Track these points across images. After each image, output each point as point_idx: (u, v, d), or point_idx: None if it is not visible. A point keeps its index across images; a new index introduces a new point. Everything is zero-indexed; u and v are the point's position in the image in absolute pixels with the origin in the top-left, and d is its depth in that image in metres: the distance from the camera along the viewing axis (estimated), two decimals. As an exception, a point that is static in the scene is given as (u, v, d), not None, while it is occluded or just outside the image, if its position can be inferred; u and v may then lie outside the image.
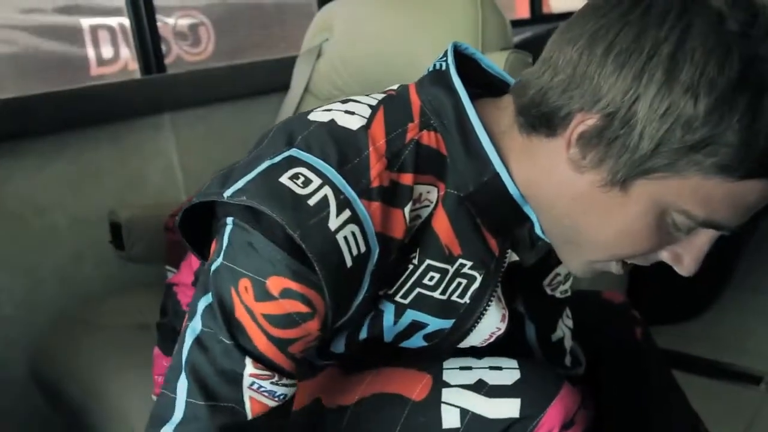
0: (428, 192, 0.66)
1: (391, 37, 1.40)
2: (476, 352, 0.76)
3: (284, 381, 0.63)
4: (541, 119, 0.62)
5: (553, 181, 0.63)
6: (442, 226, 0.67)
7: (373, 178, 0.61)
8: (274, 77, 1.72)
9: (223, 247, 0.62)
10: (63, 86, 1.47)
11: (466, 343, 0.75)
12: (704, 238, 0.61)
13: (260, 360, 0.61)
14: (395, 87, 0.72)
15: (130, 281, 1.45)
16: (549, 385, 0.71)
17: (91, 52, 1.95)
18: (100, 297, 1.38)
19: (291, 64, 1.60)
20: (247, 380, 0.60)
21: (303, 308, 0.60)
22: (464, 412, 0.70)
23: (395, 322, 0.70)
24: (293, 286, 0.59)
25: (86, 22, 1.95)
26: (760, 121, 0.53)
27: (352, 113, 0.65)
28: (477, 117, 0.65)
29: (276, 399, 0.62)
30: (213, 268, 0.62)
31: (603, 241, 0.63)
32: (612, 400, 0.94)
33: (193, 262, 0.83)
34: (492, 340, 0.75)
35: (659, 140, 0.55)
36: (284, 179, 0.60)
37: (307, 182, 0.59)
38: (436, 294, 0.69)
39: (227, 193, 0.61)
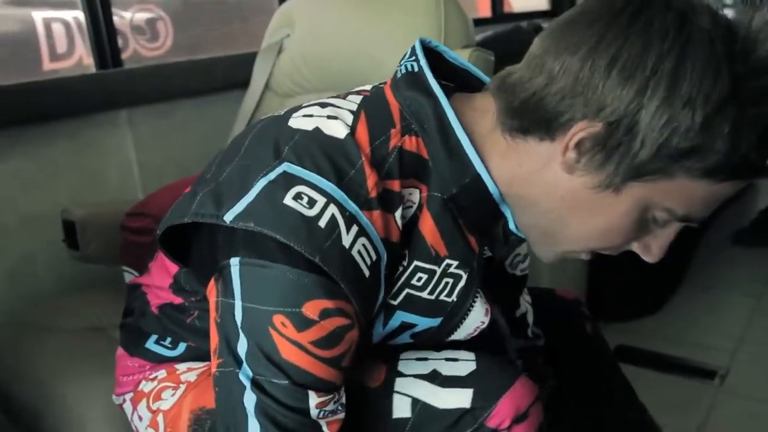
0: (410, 194, 0.67)
1: (354, 34, 1.39)
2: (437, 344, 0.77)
3: (341, 395, 0.66)
4: (539, 124, 0.64)
5: (542, 180, 0.66)
6: (428, 228, 0.69)
7: (371, 188, 0.63)
8: (233, 73, 1.70)
9: (237, 290, 0.62)
10: (14, 80, 1.42)
11: (449, 339, 0.77)
12: (672, 230, 0.67)
13: (322, 388, 0.63)
14: (368, 88, 0.73)
15: (84, 282, 1.41)
16: (503, 377, 0.72)
17: (43, 46, 1.89)
18: (53, 299, 1.34)
19: (251, 60, 1.58)
20: (314, 411, 0.63)
21: (343, 321, 0.62)
22: (415, 402, 0.71)
23: (385, 324, 0.72)
24: (329, 304, 0.61)
25: (39, 15, 1.89)
26: (744, 130, 0.58)
27: (335, 118, 0.66)
28: (457, 120, 0.67)
29: (340, 412, 0.66)
30: (235, 312, 0.62)
31: (585, 235, 0.68)
32: (566, 391, 0.97)
33: (168, 265, 0.82)
34: (475, 334, 0.77)
35: (658, 148, 0.59)
36: (289, 201, 0.60)
37: (312, 202, 0.60)
38: (425, 294, 0.71)
39: (228, 217, 0.61)
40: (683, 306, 2.07)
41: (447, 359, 0.74)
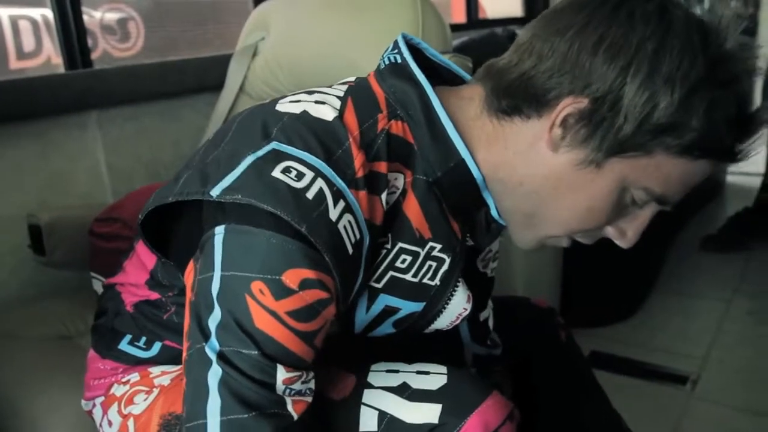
0: (395, 179, 0.69)
1: (330, 38, 1.37)
2: (407, 358, 0.76)
3: (310, 376, 0.65)
4: (527, 102, 0.67)
5: (527, 161, 0.68)
6: (412, 210, 0.70)
7: (358, 168, 0.64)
8: (206, 76, 1.67)
9: (218, 259, 0.62)
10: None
11: (433, 328, 0.78)
12: (646, 214, 0.70)
13: (291, 362, 0.62)
14: (352, 79, 0.75)
15: (50, 289, 1.37)
16: (474, 393, 0.71)
17: (10, 44, 1.85)
18: (17, 306, 1.31)
19: (224, 63, 1.56)
20: (280, 387, 0.61)
21: (323, 294, 0.62)
22: (383, 415, 0.70)
23: (368, 309, 0.72)
24: (310, 274, 0.61)
25: (5, 12, 1.85)
26: (717, 111, 0.63)
27: (323, 103, 0.68)
28: (442, 107, 0.69)
29: (308, 395, 0.64)
30: (212, 284, 0.62)
31: (566, 215, 0.70)
32: (541, 398, 0.98)
33: (145, 261, 0.81)
34: (458, 322, 0.78)
35: (639, 123, 0.63)
36: (277, 173, 0.61)
37: (300, 175, 0.61)
38: (408, 276, 0.72)
39: (215, 191, 0.62)
40: (655, 312, 2.09)
41: (418, 372, 0.73)
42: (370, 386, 0.72)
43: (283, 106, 0.68)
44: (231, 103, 1.54)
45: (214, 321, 0.61)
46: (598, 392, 1.02)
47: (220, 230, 0.62)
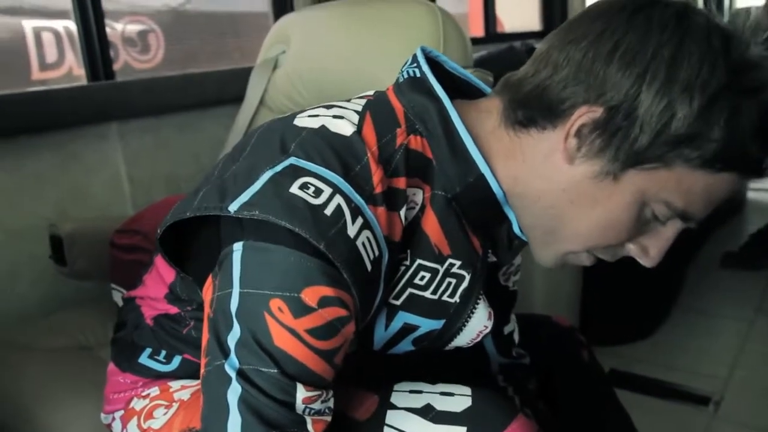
0: (414, 194, 0.68)
1: (351, 53, 1.37)
2: (432, 377, 0.75)
3: (330, 395, 0.64)
4: (542, 112, 0.66)
5: (544, 173, 0.67)
6: (431, 226, 0.69)
7: (376, 184, 0.63)
8: (226, 88, 1.68)
9: (236, 276, 0.61)
10: (1, 90, 1.39)
11: (453, 345, 0.77)
12: (670, 232, 0.68)
13: (311, 381, 0.61)
14: (370, 93, 0.74)
15: (70, 300, 1.38)
16: (499, 415, 0.69)
17: (33, 55, 1.87)
18: (37, 317, 1.31)
19: (244, 76, 1.56)
20: (300, 406, 0.60)
21: (342, 312, 0.61)
22: None
23: (387, 326, 0.71)
24: (329, 292, 0.60)
25: (29, 24, 1.87)
26: (740, 121, 0.60)
27: (341, 118, 0.67)
28: (461, 121, 0.68)
29: (327, 414, 0.64)
30: (231, 301, 0.61)
31: (585, 230, 0.68)
32: (563, 417, 0.97)
33: (164, 274, 0.80)
34: (478, 339, 0.77)
35: (656, 133, 0.61)
36: (295, 189, 0.60)
37: (318, 191, 0.60)
38: (428, 294, 0.71)
39: (232, 207, 0.61)
40: (675, 331, 2.06)
41: (442, 393, 0.72)
42: (394, 407, 0.71)
43: (302, 121, 0.67)
44: (251, 116, 1.54)
45: (233, 338, 0.61)
46: (621, 412, 1.01)
47: (238, 246, 0.62)
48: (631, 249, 0.69)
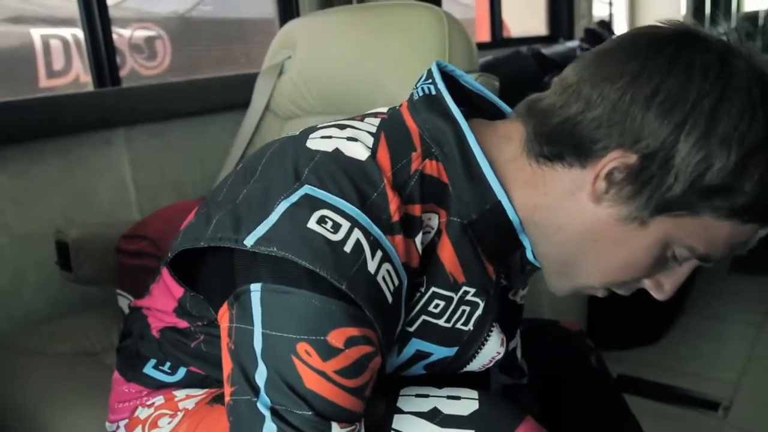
0: (429, 219, 0.66)
1: (356, 58, 1.37)
2: (439, 381, 0.74)
3: (362, 425, 0.64)
4: (571, 150, 0.64)
5: (568, 209, 0.65)
6: (446, 254, 0.68)
7: (393, 212, 0.62)
8: (232, 94, 1.68)
9: (257, 316, 0.60)
10: (8, 97, 1.39)
11: (465, 370, 0.76)
12: (686, 269, 0.67)
13: (345, 418, 0.61)
14: (384, 110, 0.73)
15: (76, 305, 1.38)
16: (507, 418, 0.69)
17: (41, 62, 1.88)
18: (43, 322, 1.31)
19: (250, 81, 1.57)
20: None
21: (368, 349, 0.61)
22: None
23: (399, 352, 0.70)
24: (354, 332, 0.59)
25: (37, 33, 1.88)
26: None
27: (355, 140, 0.65)
28: (478, 146, 0.66)
29: None
30: (254, 341, 0.60)
31: (603, 268, 0.67)
32: (572, 423, 0.96)
33: (172, 288, 0.79)
34: (491, 365, 0.76)
35: (690, 184, 0.59)
36: (312, 225, 0.59)
37: (337, 226, 0.59)
38: (441, 322, 0.70)
39: (249, 241, 0.60)
40: (683, 335, 2.05)
41: (449, 397, 0.71)
42: (400, 411, 0.71)
43: (314, 143, 0.65)
44: (257, 122, 1.54)
45: (261, 378, 0.60)
46: (629, 417, 1.00)
47: (256, 288, 0.60)
48: (646, 283, 0.68)
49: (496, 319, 0.75)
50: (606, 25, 3.35)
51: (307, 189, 0.61)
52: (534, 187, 0.67)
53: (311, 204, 0.60)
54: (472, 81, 0.76)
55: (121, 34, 1.97)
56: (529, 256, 0.71)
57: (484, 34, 3.08)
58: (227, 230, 0.62)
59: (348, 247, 0.59)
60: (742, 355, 1.91)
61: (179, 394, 0.81)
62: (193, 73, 2.11)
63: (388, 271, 0.61)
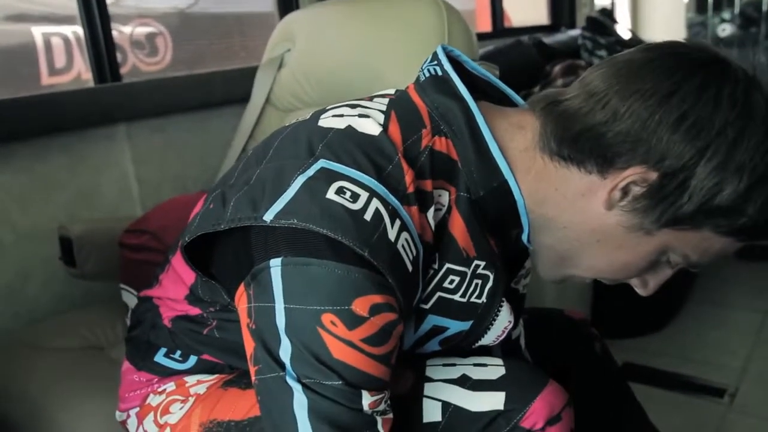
0: (440, 195, 0.67)
1: (356, 49, 1.37)
2: (462, 352, 0.78)
3: (389, 394, 0.65)
4: (592, 158, 0.65)
5: (577, 209, 0.67)
6: (458, 229, 0.69)
7: (409, 183, 0.63)
8: (233, 88, 1.68)
9: (278, 292, 0.61)
10: (10, 95, 1.40)
11: (479, 344, 0.77)
12: (671, 270, 0.71)
13: (374, 386, 0.62)
14: (391, 91, 0.74)
15: (80, 300, 1.39)
16: (535, 379, 0.73)
17: (42, 60, 1.88)
18: (48, 317, 1.32)
19: (251, 75, 1.57)
20: (367, 411, 0.61)
21: (392, 316, 0.62)
22: (446, 406, 0.71)
23: (416, 329, 0.71)
24: (378, 299, 0.60)
25: (38, 30, 1.88)
26: None
27: (367, 117, 0.67)
28: (486, 126, 0.67)
29: (390, 412, 0.65)
30: (276, 317, 0.61)
31: (601, 266, 0.70)
32: (577, 411, 0.94)
33: (183, 276, 0.80)
34: (503, 336, 0.77)
35: (701, 204, 0.62)
36: (331, 195, 0.60)
37: (355, 196, 0.60)
38: (457, 297, 0.71)
39: (268, 216, 0.60)
40: (689, 323, 2.05)
41: (475, 364, 0.75)
42: (430, 379, 0.73)
43: (326, 121, 0.67)
44: (257, 115, 1.54)
45: (285, 353, 0.61)
46: (635, 405, 1.01)
47: (276, 263, 0.60)
48: (633, 280, 0.72)
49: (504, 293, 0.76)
50: (608, 13, 3.32)
51: (323, 163, 0.62)
52: (544, 181, 0.68)
53: (328, 176, 0.61)
54: (477, 66, 0.76)
55: (121, 31, 1.97)
56: (524, 237, 0.72)
57: (485, 24, 3.06)
58: (246, 210, 0.63)
59: (368, 216, 0.59)
60: (747, 341, 1.91)
61: (190, 380, 0.82)
62: (195, 68, 2.11)
63: (407, 239, 0.62)
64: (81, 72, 1.93)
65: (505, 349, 0.91)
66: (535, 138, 0.68)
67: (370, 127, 0.65)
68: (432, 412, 0.71)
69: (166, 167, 1.61)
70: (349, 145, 0.63)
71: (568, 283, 0.77)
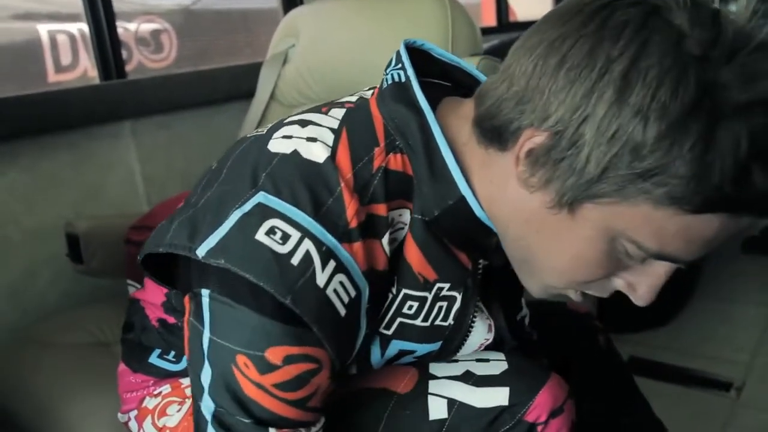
0: (400, 215, 0.63)
1: (360, 44, 1.37)
2: None
3: (315, 428, 0.63)
4: (493, 132, 0.59)
5: (507, 198, 0.61)
6: (412, 254, 0.65)
7: (350, 218, 0.58)
8: (238, 84, 1.69)
9: (207, 320, 0.60)
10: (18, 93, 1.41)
11: (455, 357, 0.76)
12: (660, 269, 0.59)
13: (287, 425, 0.60)
14: (353, 99, 0.69)
15: (87, 297, 1.39)
16: (537, 373, 0.72)
17: (48, 58, 1.89)
18: (55, 314, 1.32)
19: (256, 71, 1.57)
20: None
21: (310, 366, 0.59)
22: (452, 403, 0.70)
23: (383, 354, 0.70)
24: (294, 350, 0.58)
25: (44, 28, 1.89)
26: (712, 153, 0.49)
27: (315, 140, 0.62)
28: (443, 138, 0.62)
29: None
30: (203, 341, 0.60)
31: (557, 265, 0.61)
32: (580, 405, 0.94)
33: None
34: (481, 349, 0.76)
35: (606, 165, 0.52)
36: (261, 236, 0.56)
37: (286, 237, 0.57)
38: (418, 322, 0.68)
39: (200, 251, 0.58)
40: (694, 317, 2.04)
41: (478, 360, 0.74)
42: (434, 377, 0.72)
43: (275, 144, 0.62)
44: (262, 111, 1.54)
45: (206, 377, 0.60)
46: (640, 399, 1.00)
47: (206, 294, 0.60)
48: (619, 284, 0.62)
49: (490, 299, 0.75)
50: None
51: (260, 197, 0.58)
52: (483, 173, 0.62)
53: (262, 213, 0.57)
54: (444, 52, 0.72)
55: (126, 28, 1.98)
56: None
57: (490, 19, 3.06)
58: (183, 238, 0.60)
59: (296, 260, 0.56)
60: (754, 336, 1.90)
61: (185, 381, 0.82)
62: (200, 65, 2.12)
63: (341, 282, 0.58)
64: (87, 69, 1.94)
65: (513, 332, 0.90)
66: (471, 126, 0.63)
67: (317, 152, 0.60)
68: (437, 410, 0.70)
69: (172, 164, 1.61)
70: (291, 176, 0.59)
71: (538, 296, 0.70)
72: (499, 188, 0.61)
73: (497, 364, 0.73)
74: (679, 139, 0.49)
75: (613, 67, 0.50)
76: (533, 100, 0.55)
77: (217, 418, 0.60)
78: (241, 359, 0.58)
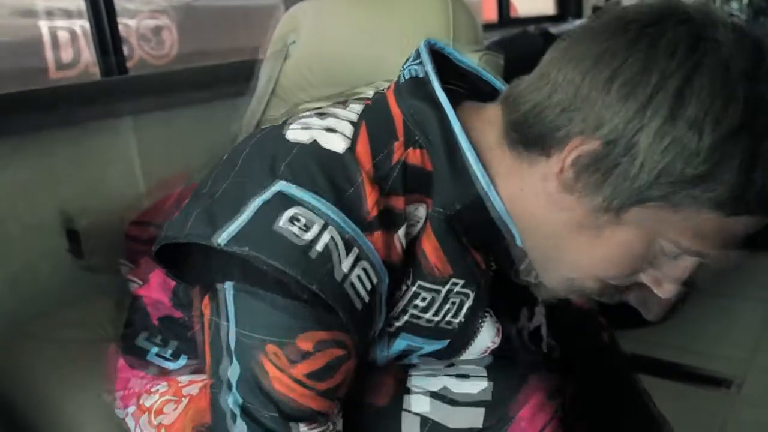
0: (416, 209, 0.64)
1: (361, 39, 1.37)
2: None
3: (338, 422, 0.63)
4: (536, 138, 0.61)
5: (543, 201, 0.62)
6: (430, 247, 0.65)
7: (371, 208, 0.60)
8: (239, 80, 1.68)
9: (231, 314, 0.60)
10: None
11: (461, 359, 0.74)
12: (687, 263, 0.62)
13: (315, 420, 0.61)
14: (370, 94, 0.70)
15: (87, 292, 1.39)
16: (516, 396, 0.70)
17: (49, 55, 1.89)
18: (55, 309, 1.31)
19: (257, 67, 1.56)
20: None
21: (339, 352, 0.60)
22: (425, 421, 0.70)
23: (389, 348, 0.69)
24: (324, 336, 0.59)
25: (46, 25, 1.89)
26: (758, 163, 0.54)
27: (334, 131, 0.63)
28: (464, 134, 0.63)
29: None
30: (229, 336, 0.60)
31: (586, 262, 0.64)
32: (584, 401, 0.94)
33: (167, 278, 0.80)
34: (487, 354, 0.74)
35: (659, 172, 0.55)
36: (284, 224, 0.57)
37: (308, 225, 0.57)
38: (428, 315, 0.68)
39: (221, 240, 0.58)
40: (694, 313, 2.03)
41: (458, 376, 0.72)
42: (410, 391, 0.72)
43: (293, 134, 0.63)
44: (263, 107, 1.54)
45: (234, 374, 0.60)
46: (643, 395, 1.00)
47: (229, 286, 0.60)
48: (644, 278, 0.64)
49: (495, 305, 0.74)
50: (615, 2, 3.30)
51: (281, 186, 0.59)
52: (513, 176, 0.64)
53: (284, 202, 0.58)
54: (464, 59, 0.73)
55: (128, 25, 1.98)
56: (518, 242, 0.68)
57: (491, 14, 3.05)
58: (202, 228, 0.61)
59: (319, 247, 0.57)
60: (754, 332, 1.91)
61: (182, 379, 0.83)
62: (200, 61, 2.12)
63: (364, 269, 0.59)
64: (88, 66, 1.94)
65: (528, 342, 0.89)
66: (500, 130, 0.64)
67: (336, 143, 0.62)
68: (411, 427, 0.70)
69: (173, 160, 1.60)
70: (311, 165, 0.60)
71: (558, 292, 0.71)
72: (532, 191, 0.63)
73: (477, 382, 0.71)
74: (729, 150, 0.54)
75: (668, 84, 0.54)
76: (583, 109, 0.57)
77: (245, 411, 0.60)
78: (270, 349, 0.58)
